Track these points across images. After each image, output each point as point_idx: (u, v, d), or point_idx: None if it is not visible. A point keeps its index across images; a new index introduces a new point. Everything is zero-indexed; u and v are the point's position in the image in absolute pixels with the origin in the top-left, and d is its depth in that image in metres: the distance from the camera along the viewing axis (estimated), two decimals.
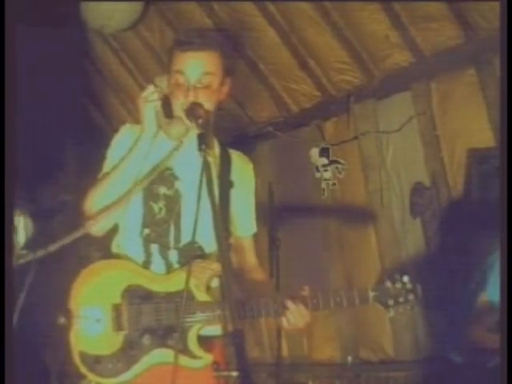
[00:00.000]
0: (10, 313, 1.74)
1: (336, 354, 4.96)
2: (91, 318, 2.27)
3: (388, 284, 2.32)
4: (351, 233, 4.71)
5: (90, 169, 2.55)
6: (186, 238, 2.36)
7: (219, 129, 2.47)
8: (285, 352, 5.10)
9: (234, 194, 2.45)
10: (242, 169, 2.51)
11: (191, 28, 2.50)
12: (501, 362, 2.02)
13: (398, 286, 2.31)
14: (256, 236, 2.59)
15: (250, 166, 2.56)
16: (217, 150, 2.48)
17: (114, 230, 2.44)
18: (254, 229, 2.57)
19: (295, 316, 2.24)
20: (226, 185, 2.43)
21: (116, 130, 2.46)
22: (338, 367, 4.91)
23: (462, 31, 3.71)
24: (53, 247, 1.93)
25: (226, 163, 2.46)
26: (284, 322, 2.26)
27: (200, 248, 2.35)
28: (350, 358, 4.78)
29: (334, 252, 4.85)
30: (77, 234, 2.13)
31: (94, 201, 2.33)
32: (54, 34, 4.83)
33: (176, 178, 2.39)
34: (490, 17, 3.46)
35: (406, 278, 2.32)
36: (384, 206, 4.41)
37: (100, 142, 2.62)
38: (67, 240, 2.03)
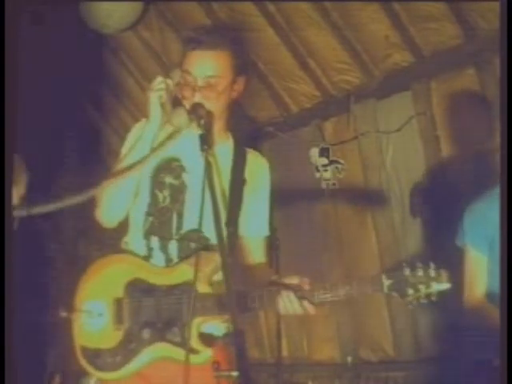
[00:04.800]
0: (10, 311, 1.74)
1: (336, 353, 4.96)
2: (94, 312, 2.27)
3: (407, 271, 2.08)
4: (351, 233, 4.71)
5: (89, 168, 2.55)
6: (188, 227, 2.32)
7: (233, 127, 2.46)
8: (285, 352, 5.10)
9: (246, 192, 2.41)
10: (257, 168, 2.47)
11: (201, 26, 2.40)
12: (501, 362, 2.02)
13: (420, 273, 2.07)
14: (267, 239, 2.53)
15: (266, 166, 2.50)
16: (231, 146, 2.45)
17: (124, 226, 2.42)
18: (265, 231, 2.51)
19: (293, 303, 2.18)
20: (239, 181, 2.39)
21: (116, 131, 2.45)
22: (338, 367, 4.91)
23: (462, 31, 3.71)
24: (68, 201, 1.86)
25: (240, 161, 2.43)
26: (281, 308, 2.19)
27: (205, 238, 2.31)
28: (349, 358, 4.78)
29: (334, 252, 4.85)
30: (92, 193, 2.01)
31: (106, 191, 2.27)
32: (54, 33, 4.83)
33: (183, 169, 2.36)
34: (489, 17, 3.46)
35: (431, 265, 2.07)
36: (384, 206, 4.41)
37: (99, 142, 2.61)
38: (82, 197, 1.91)
